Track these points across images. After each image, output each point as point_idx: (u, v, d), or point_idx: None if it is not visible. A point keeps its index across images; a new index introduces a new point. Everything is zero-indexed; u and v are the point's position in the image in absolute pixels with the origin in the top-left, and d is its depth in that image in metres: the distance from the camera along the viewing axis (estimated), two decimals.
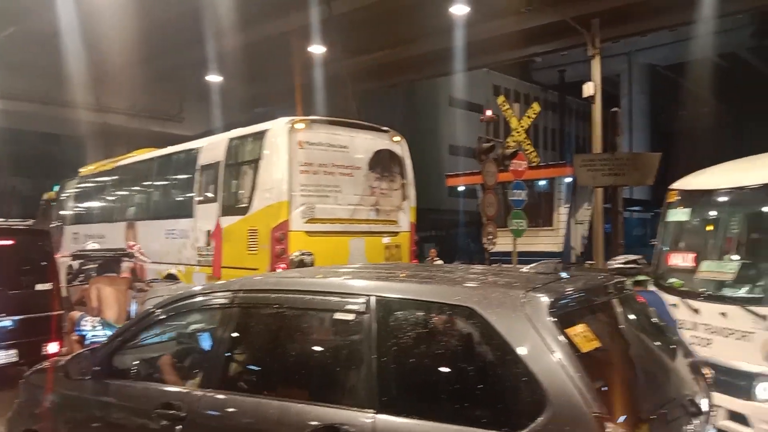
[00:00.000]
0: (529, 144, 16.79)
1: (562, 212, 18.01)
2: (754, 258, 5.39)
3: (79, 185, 16.10)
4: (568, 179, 17.45)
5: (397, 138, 10.17)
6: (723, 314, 5.17)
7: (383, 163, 9.78)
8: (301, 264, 7.11)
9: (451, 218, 34.28)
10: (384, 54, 22.78)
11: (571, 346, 2.47)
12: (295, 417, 2.87)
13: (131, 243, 9.92)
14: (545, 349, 2.43)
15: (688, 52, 32.47)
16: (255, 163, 9.13)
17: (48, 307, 8.13)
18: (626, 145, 32.99)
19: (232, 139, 9.98)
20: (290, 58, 22.80)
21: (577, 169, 13.78)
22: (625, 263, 5.60)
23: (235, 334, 3.39)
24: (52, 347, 7.88)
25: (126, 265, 9.57)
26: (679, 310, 5.40)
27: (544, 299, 2.61)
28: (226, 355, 3.37)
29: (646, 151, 27.78)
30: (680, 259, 5.89)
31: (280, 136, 8.82)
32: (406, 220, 10.03)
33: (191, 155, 10.86)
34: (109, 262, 8.70)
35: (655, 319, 3.48)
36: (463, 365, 2.71)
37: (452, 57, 21.54)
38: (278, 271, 7.61)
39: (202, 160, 10.49)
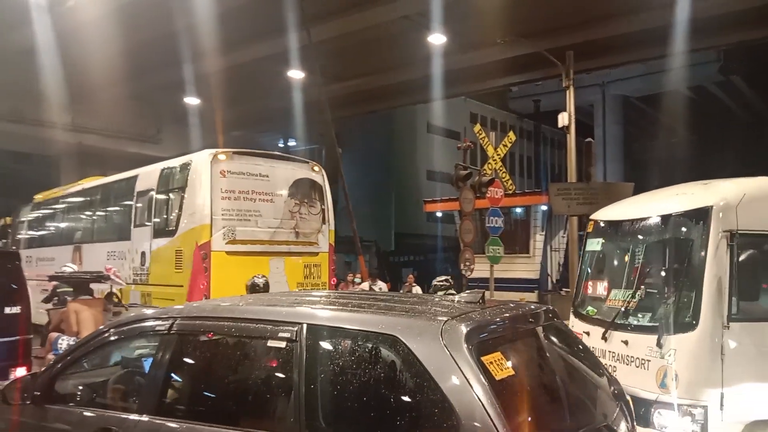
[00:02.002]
0: (505, 172, 17.01)
1: (538, 239, 18.20)
2: (651, 287, 5.56)
3: (32, 211, 16.80)
4: (544, 207, 17.66)
5: (317, 168, 11.21)
6: (625, 342, 5.33)
7: (303, 190, 10.74)
8: (254, 287, 7.43)
9: (429, 243, 34.40)
10: (363, 81, 23.01)
11: (485, 373, 2.54)
12: None
13: (108, 266, 10.02)
14: (460, 376, 2.51)
15: (659, 85, 33.37)
16: (182, 190, 10.05)
17: (16, 331, 7.93)
18: (600, 174, 33.55)
19: (163, 169, 10.89)
20: (269, 82, 22.90)
21: (553, 198, 13.95)
22: (440, 281, 6.75)
23: (172, 360, 3.44)
24: (20, 372, 7.66)
25: (103, 287, 9.56)
26: (591, 338, 5.54)
27: (462, 328, 2.70)
28: (163, 380, 3.42)
29: (620, 181, 28.27)
30: (594, 288, 6.09)
31: (204, 166, 9.76)
32: (325, 242, 10.92)
33: (130, 183, 11.74)
34: (84, 285, 8.59)
35: (581, 347, 3.58)
36: (385, 391, 2.79)
37: (430, 85, 21.86)
38: (215, 298, 7.99)
39: (139, 187, 11.40)
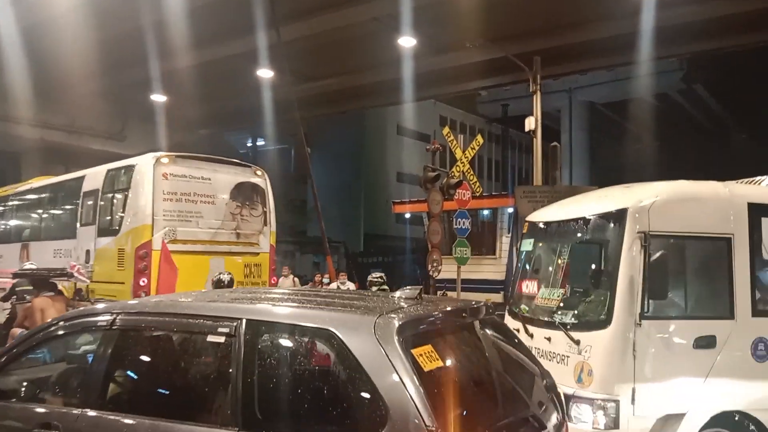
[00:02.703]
0: (472, 174, 17.14)
1: (504, 241, 18.35)
2: (573, 286, 5.79)
3: None
4: (511, 210, 17.87)
5: (260, 172, 11.63)
6: (548, 339, 5.56)
7: (245, 193, 11.15)
8: (219, 283, 8.05)
9: (398, 244, 34.51)
10: (333, 81, 22.99)
11: (414, 365, 2.65)
12: None
13: (72, 263, 9.93)
14: (390, 368, 2.61)
15: (625, 92, 34.05)
16: (126, 191, 10.42)
17: None
18: (567, 178, 34.08)
19: (109, 170, 11.23)
20: (239, 81, 22.72)
21: (519, 200, 14.12)
22: (375, 277, 8.75)
23: (113, 355, 3.48)
24: None
25: (67, 284, 9.59)
26: (521, 335, 5.72)
27: (394, 322, 2.79)
28: (105, 375, 3.46)
29: (585, 185, 28.72)
30: (525, 287, 6.31)
31: (147, 169, 10.18)
32: (266, 242, 11.38)
33: (77, 183, 12.03)
34: (45, 281, 8.44)
35: (517, 342, 3.75)
36: (320, 384, 2.94)
37: (400, 87, 21.96)
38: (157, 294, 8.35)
39: (85, 187, 11.69)
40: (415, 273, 23.78)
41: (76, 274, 9.24)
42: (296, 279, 17.70)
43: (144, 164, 10.28)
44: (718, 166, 25.49)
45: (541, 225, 6.42)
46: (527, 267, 6.49)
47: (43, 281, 8.52)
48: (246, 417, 2.84)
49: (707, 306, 5.43)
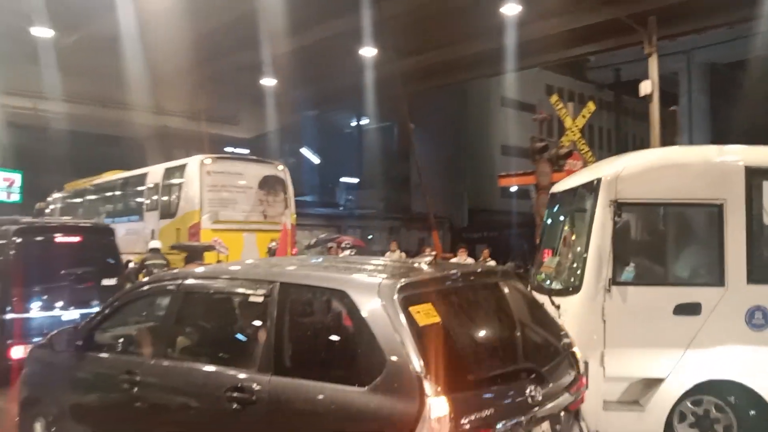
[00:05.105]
0: (584, 144, 16.41)
1: None
2: (562, 253, 6.09)
3: (63, 198, 19.96)
4: None
5: (281, 167, 14.40)
6: (542, 304, 5.67)
7: (269, 184, 13.89)
8: (269, 251, 11.44)
9: (503, 219, 33.96)
10: (435, 54, 22.78)
11: (410, 320, 3.00)
12: (214, 378, 3.62)
13: (215, 238, 12.11)
14: (388, 323, 3.00)
15: (748, 50, 31.23)
16: (180, 184, 13.42)
17: None
18: (686, 144, 31.99)
19: (167, 169, 14.30)
20: (341, 60, 23.05)
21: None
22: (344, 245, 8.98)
23: (179, 312, 4.17)
24: None
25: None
26: None
27: (395, 284, 3.17)
28: (171, 330, 4.19)
29: None
30: (543, 256, 6.64)
31: (195, 168, 13.05)
32: (288, 222, 13.54)
33: (142, 177, 15.22)
34: (198, 252, 10.62)
35: (534, 305, 4.05)
36: (335, 336, 3.46)
37: (503, 57, 21.35)
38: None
39: (148, 181, 14.75)
40: (522, 248, 23.32)
41: (218, 247, 11.34)
42: (403, 254, 17.93)
43: (192, 164, 13.19)
44: None
45: (553, 196, 6.77)
46: (544, 237, 6.82)
47: (196, 251, 10.39)
48: (278, 364, 3.37)
49: (691, 273, 5.46)
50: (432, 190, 22.81)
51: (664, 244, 5.67)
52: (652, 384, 5.15)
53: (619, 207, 5.18)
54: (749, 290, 5.09)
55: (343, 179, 41.89)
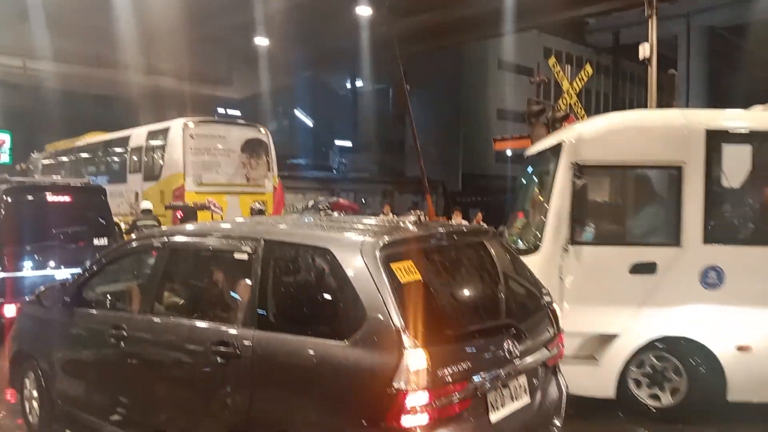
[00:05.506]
0: (580, 107, 16.27)
1: None
2: (529, 215, 6.22)
3: (45, 158, 19.58)
4: None
5: (263, 130, 14.25)
6: None
7: (252, 146, 13.80)
8: (259, 212, 10.67)
9: (497, 184, 33.90)
10: (431, 15, 22.42)
11: (391, 276, 3.04)
12: (200, 333, 3.69)
13: (209, 198, 12.27)
14: (369, 279, 3.04)
15: (749, 14, 30.81)
16: (163, 147, 13.35)
17: None
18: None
19: (150, 131, 14.18)
20: (337, 20, 22.66)
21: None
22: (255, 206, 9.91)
23: (164, 270, 4.25)
24: None
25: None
26: None
27: (377, 241, 3.20)
28: (157, 286, 4.23)
29: None
30: (514, 218, 6.72)
31: (178, 131, 12.95)
32: (270, 184, 14.02)
33: (125, 140, 15.05)
34: (193, 212, 11.06)
35: (516, 264, 4.11)
36: (318, 293, 3.44)
37: (501, 18, 21.05)
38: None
39: (132, 144, 14.65)
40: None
41: (212, 207, 11.65)
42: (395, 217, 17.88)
43: (175, 127, 13.15)
44: None
45: (527, 158, 6.85)
46: (517, 198, 6.87)
47: (191, 211, 10.55)
48: (262, 319, 3.42)
49: (648, 233, 5.54)
50: (426, 154, 22.66)
51: (622, 206, 5.82)
52: (607, 340, 5.29)
53: (579, 169, 5.27)
54: (705, 250, 5.19)
55: (337, 142, 41.63)
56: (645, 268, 5.22)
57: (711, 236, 5.21)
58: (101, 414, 4.35)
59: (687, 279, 5.19)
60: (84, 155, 17.52)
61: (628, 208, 5.81)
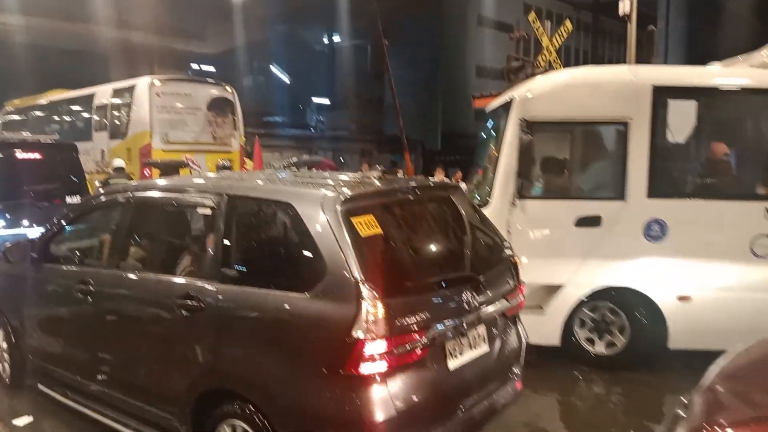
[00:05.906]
0: (560, 64, 16.17)
1: None
2: (485, 170, 6.19)
3: (6, 116, 18.98)
4: None
5: (229, 89, 14.27)
6: None
7: (218, 105, 13.86)
8: (223, 167, 10.90)
9: (477, 143, 33.82)
10: None
11: (351, 230, 3.09)
12: (165, 287, 3.77)
13: (188, 156, 12.06)
14: (330, 233, 3.09)
15: None
16: (129, 105, 13.34)
17: None
18: None
19: (115, 89, 14.09)
20: None
21: None
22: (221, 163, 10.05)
23: (129, 225, 4.34)
24: None
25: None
26: None
27: (338, 195, 3.23)
28: (123, 240, 4.34)
29: None
30: (475, 173, 6.79)
31: (144, 89, 13.00)
32: (236, 143, 14.21)
33: (90, 97, 14.86)
34: (174, 168, 10.63)
35: (478, 218, 4.17)
36: (281, 247, 3.56)
37: None
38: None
39: (96, 101, 14.51)
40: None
41: (191, 164, 11.48)
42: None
43: (141, 85, 13.18)
44: None
45: (486, 115, 6.90)
46: (477, 155, 6.96)
47: (172, 168, 10.56)
48: (225, 273, 3.48)
49: (593, 188, 5.72)
50: (405, 112, 22.46)
51: (570, 161, 5.91)
52: (553, 290, 5.51)
53: (527, 125, 5.37)
54: (648, 204, 5.37)
55: (315, 99, 41.06)
56: (590, 222, 5.39)
57: (655, 190, 5.37)
58: (71, 368, 4.43)
59: (631, 232, 5.37)
60: (46, 113, 17.19)
61: (575, 163, 5.93)
